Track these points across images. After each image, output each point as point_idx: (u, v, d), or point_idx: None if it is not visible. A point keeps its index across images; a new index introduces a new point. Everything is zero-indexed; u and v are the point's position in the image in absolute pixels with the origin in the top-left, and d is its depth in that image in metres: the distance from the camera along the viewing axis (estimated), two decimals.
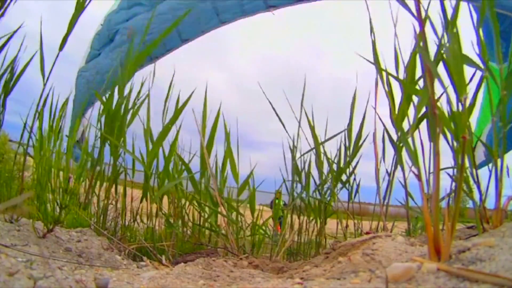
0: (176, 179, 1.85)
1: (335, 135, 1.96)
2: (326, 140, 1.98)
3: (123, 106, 1.61)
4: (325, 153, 1.95)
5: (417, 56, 1.21)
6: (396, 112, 1.30)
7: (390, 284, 0.49)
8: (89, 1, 1.38)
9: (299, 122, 2.02)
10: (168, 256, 1.48)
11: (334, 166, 1.94)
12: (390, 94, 1.35)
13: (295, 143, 1.99)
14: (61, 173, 1.10)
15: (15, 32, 1.46)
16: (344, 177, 1.94)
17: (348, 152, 1.89)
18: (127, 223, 1.84)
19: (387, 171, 1.52)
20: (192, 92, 1.69)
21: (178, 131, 1.81)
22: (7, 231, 1.00)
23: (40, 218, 1.04)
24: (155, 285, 0.74)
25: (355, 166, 1.92)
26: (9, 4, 1.14)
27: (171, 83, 1.89)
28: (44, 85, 1.39)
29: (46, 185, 1.06)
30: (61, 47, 1.38)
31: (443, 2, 0.91)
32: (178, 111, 1.66)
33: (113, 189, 1.74)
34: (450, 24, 0.94)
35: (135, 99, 1.73)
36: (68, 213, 1.13)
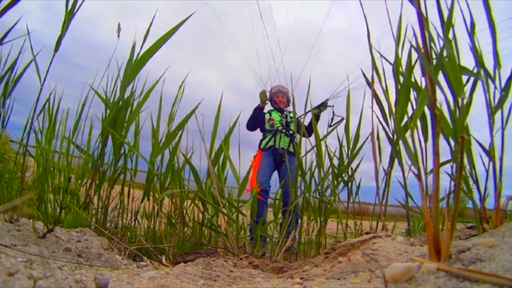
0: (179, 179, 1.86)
1: (332, 129, 1.96)
2: (326, 135, 1.99)
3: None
4: (326, 148, 1.96)
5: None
6: (393, 110, 1.31)
7: (390, 284, 0.49)
8: (79, 6, 1.37)
9: (303, 121, 2.03)
10: (168, 256, 1.48)
11: (335, 166, 1.94)
12: (376, 97, 1.36)
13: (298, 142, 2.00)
14: (61, 173, 1.10)
15: (12, 27, 1.46)
16: (344, 177, 1.94)
17: (348, 152, 1.89)
18: (127, 223, 1.84)
19: (384, 171, 1.52)
20: (200, 103, 1.74)
21: (181, 134, 1.83)
22: (7, 231, 1.00)
23: (40, 218, 1.04)
24: (155, 285, 0.74)
25: (357, 167, 1.92)
26: (9, 8, 1.14)
27: (181, 86, 1.91)
28: (42, 85, 1.39)
29: (46, 185, 1.06)
30: (56, 49, 1.38)
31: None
32: (186, 118, 1.72)
33: (113, 189, 1.74)
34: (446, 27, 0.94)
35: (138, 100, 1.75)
36: (68, 213, 1.13)
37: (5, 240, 0.91)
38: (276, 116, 3.24)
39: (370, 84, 1.40)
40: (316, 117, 2.79)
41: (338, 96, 2.39)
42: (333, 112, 2.25)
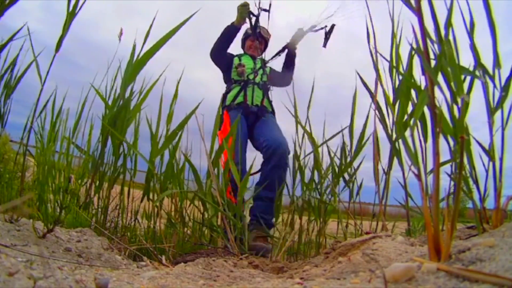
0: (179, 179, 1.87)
1: (333, 136, 1.96)
2: (324, 142, 1.99)
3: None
4: (328, 149, 1.96)
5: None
6: (395, 110, 1.31)
7: (390, 284, 0.49)
8: (81, 7, 1.38)
9: (304, 125, 2.02)
10: (168, 256, 1.48)
11: (336, 166, 1.94)
12: (377, 102, 1.36)
13: (300, 143, 2.00)
14: (61, 173, 1.10)
15: (17, 32, 1.47)
16: (345, 177, 1.94)
17: (351, 152, 1.90)
18: (127, 223, 1.85)
19: (383, 170, 1.52)
20: (200, 102, 1.74)
21: (181, 134, 1.83)
22: (7, 231, 1.00)
23: (40, 218, 1.04)
24: (155, 285, 0.74)
25: (358, 166, 1.92)
26: (8, 7, 1.14)
27: (177, 85, 1.91)
28: (42, 86, 1.39)
29: (46, 185, 1.07)
30: (57, 49, 1.38)
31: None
32: (186, 118, 1.72)
33: (113, 189, 1.75)
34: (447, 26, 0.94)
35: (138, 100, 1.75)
36: (68, 213, 1.13)
37: (5, 240, 0.91)
38: (247, 61, 2.44)
39: (375, 84, 1.39)
40: (293, 53, 2.43)
41: (317, 29, 2.19)
42: (326, 32, 2.11)
